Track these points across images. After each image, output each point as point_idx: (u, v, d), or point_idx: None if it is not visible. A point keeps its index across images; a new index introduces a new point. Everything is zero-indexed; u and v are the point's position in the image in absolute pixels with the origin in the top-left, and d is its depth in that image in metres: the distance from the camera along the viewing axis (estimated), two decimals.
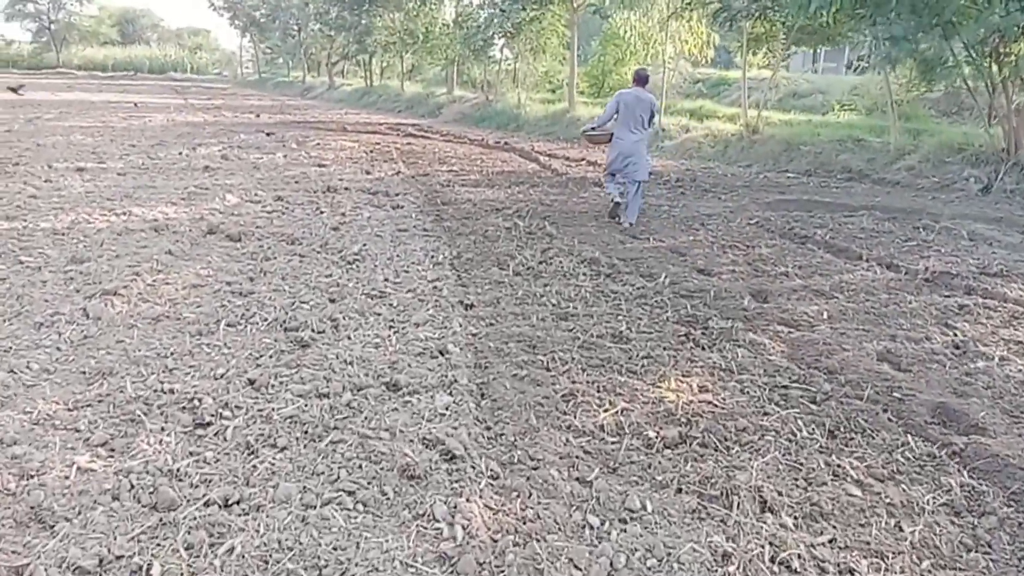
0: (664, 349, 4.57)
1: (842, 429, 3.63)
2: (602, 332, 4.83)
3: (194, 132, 17.47)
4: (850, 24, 13.81)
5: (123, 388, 3.70)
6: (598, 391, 3.95)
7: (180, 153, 13.28)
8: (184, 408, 3.53)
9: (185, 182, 10.14)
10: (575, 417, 3.64)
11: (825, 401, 3.90)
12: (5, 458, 3.01)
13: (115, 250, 6.41)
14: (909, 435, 3.54)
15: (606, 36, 27.11)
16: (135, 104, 26.57)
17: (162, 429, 3.32)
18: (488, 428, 3.51)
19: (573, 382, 4.04)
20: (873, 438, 3.52)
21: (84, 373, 3.91)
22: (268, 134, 17.61)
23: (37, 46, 66.58)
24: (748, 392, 4.00)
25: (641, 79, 8.55)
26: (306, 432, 3.35)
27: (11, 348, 4.15)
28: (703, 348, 4.64)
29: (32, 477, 2.88)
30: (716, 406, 3.81)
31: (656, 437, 3.45)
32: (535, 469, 3.14)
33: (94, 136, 15.59)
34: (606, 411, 3.70)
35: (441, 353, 4.35)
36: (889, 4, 10.54)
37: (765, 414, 3.75)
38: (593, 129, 9.03)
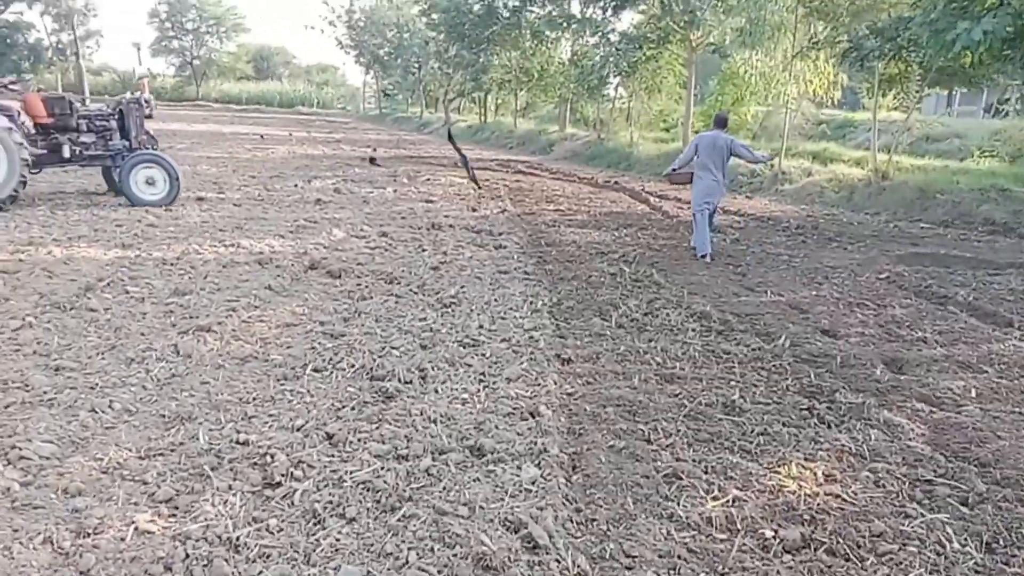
0: (783, 425, 4.05)
1: (1001, 542, 3.03)
2: (712, 400, 4.35)
3: (312, 164, 17.99)
4: (996, 66, 12.76)
5: (197, 436, 3.54)
6: (705, 472, 3.49)
7: (295, 185, 13.61)
8: (255, 464, 3.31)
9: (296, 215, 10.29)
10: (678, 504, 3.20)
11: (979, 504, 3.29)
12: (66, 512, 2.86)
13: (217, 283, 6.43)
14: None
15: (725, 75, 26.42)
16: (261, 136, 27.83)
17: (229, 487, 3.11)
18: (578, 511, 3.12)
19: (677, 459, 3.60)
20: None
21: (163, 416, 3.79)
22: (372, 159, 18.05)
23: (180, 80, 71.57)
24: (884, 486, 3.44)
25: (720, 122, 9.08)
26: (378, 502, 3.06)
27: (98, 385, 4.09)
28: (829, 426, 4.09)
29: (88, 536, 2.71)
30: (846, 501, 3.28)
31: (774, 537, 2.96)
32: (629, 569, 2.73)
33: (219, 166, 16.27)
34: (715, 499, 3.24)
35: (532, 415, 4.00)
36: None
37: (906, 516, 3.19)
38: (674, 170, 9.40)
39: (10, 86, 11.01)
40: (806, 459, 3.66)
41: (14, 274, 6.25)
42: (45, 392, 3.94)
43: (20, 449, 3.26)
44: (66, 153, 10.16)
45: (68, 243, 7.63)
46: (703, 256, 8.74)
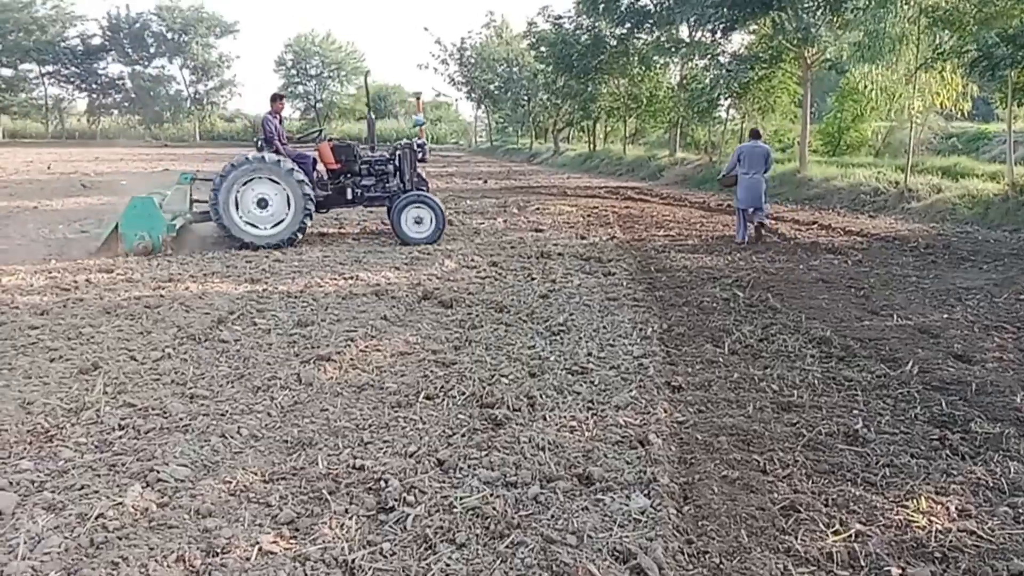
0: (911, 456, 3.82)
1: None
2: (832, 430, 4.16)
3: None
4: None
5: (317, 461, 3.70)
6: (826, 505, 3.34)
7: None
8: (370, 489, 3.42)
9: (410, 247, 10.62)
10: (796, 538, 3.07)
11: None
12: (198, 531, 3.04)
13: (337, 314, 6.72)
14: None
15: (844, 92, 25.49)
16: None
17: (346, 511, 3.23)
18: (689, 542, 3.05)
19: (795, 491, 3.45)
20: None
21: (286, 442, 3.98)
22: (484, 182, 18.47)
23: (304, 122, 75.63)
24: None
25: (755, 135, 12.28)
26: (487, 528, 3.09)
27: (227, 412, 4.34)
28: (963, 458, 3.82)
29: (217, 555, 2.87)
30: (982, 538, 3.05)
31: None
32: None
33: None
34: (836, 534, 3.08)
35: (641, 443, 3.95)
36: None
37: None
38: (724, 175, 12.33)
39: (306, 138, 12.85)
40: (937, 492, 3.44)
41: (155, 308, 6.75)
42: (181, 419, 4.22)
43: (158, 472, 3.50)
44: (349, 195, 11.31)
45: (203, 279, 8.17)
46: (741, 240, 11.58)
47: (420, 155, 11.57)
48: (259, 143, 10.95)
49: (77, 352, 5.43)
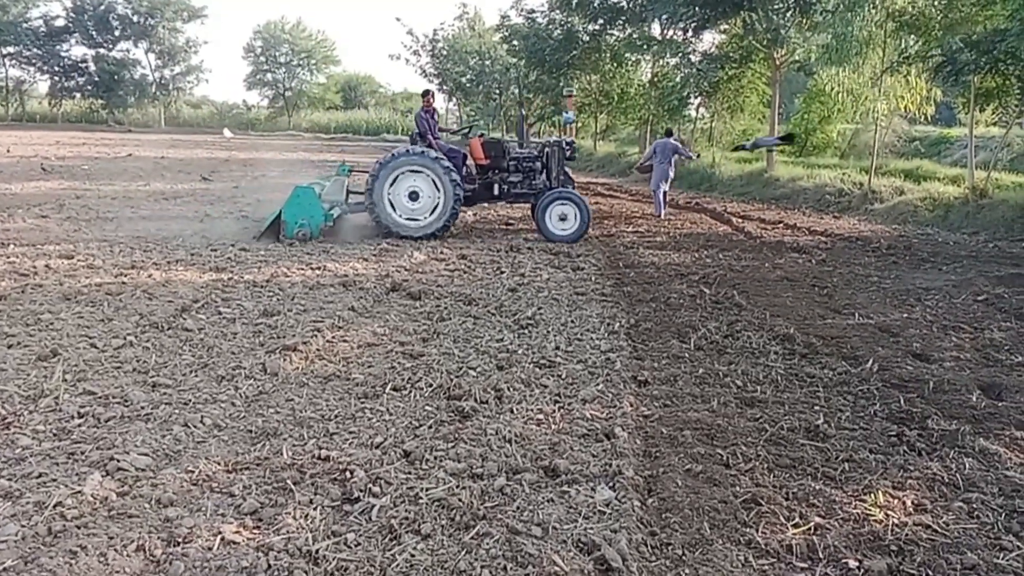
0: (870, 452, 3.90)
1: None
2: (794, 425, 4.23)
3: None
4: None
5: (282, 452, 3.67)
6: (787, 499, 3.40)
7: None
8: (335, 479, 3.41)
9: (379, 238, 10.55)
10: (757, 530, 3.12)
11: None
12: (159, 520, 3.00)
13: (304, 304, 6.66)
14: None
15: (811, 93, 25.84)
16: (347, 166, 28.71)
17: (310, 502, 3.21)
18: (653, 534, 3.08)
19: (757, 485, 3.51)
20: None
21: (251, 432, 3.94)
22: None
23: (272, 111, 74.61)
24: (978, 516, 3.27)
25: (668, 133, 15.62)
26: (453, 519, 3.09)
27: (190, 401, 4.29)
28: (920, 454, 3.91)
29: (178, 545, 2.83)
30: (937, 532, 3.13)
31: (858, 568, 2.85)
32: None
33: None
34: (796, 526, 3.14)
35: (607, 436, 3.98)
36: None
37: (1001, 548, 3.02)
38: (641, 164, 15.25)
39: (459, 132, 13.33)
40: (894, 487, 3.52)
41: (117, 295, 6.63)
42: (142, 407, 4.15)
43: (118, 461, 3.44)
44: (496, 191, 11.50)
45: (167, 267, 8.04)
46: (658, 215, 14.55)
47: (568, 153, 11.65)
48: (413, 137, 11.26)
49: (35, 339, 5.31)
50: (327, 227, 10.48)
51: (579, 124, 41.19)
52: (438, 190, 10.58)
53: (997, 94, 14.51)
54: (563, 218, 11.05)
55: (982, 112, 16.35)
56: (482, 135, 12.29)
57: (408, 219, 10.68)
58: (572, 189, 11.57)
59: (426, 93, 11.82)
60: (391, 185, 10.54)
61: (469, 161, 11.43)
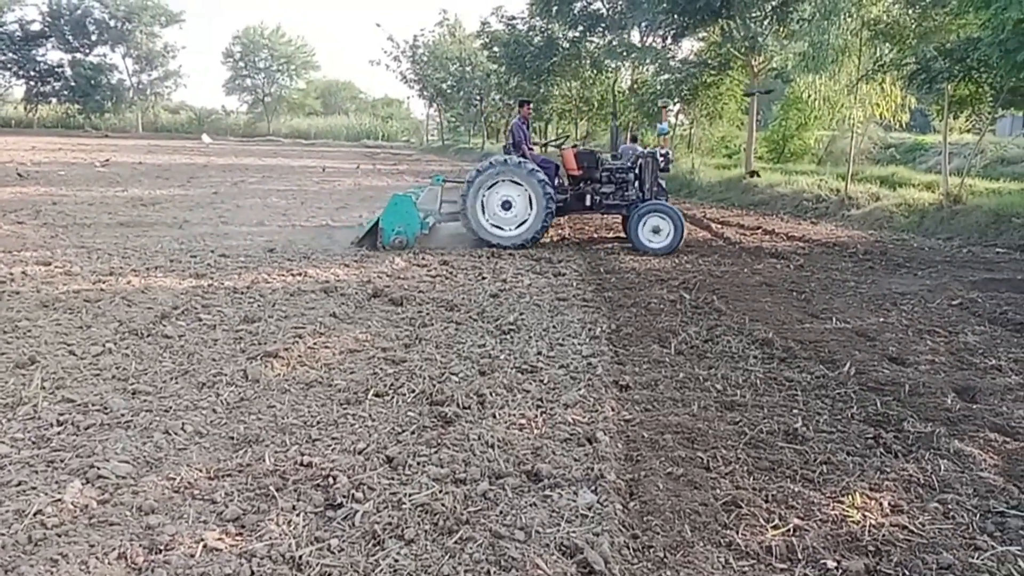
0: (848, 454, 3.96)
1: None
2: (773, 428, 4.29)
3: (376, 196, 18.36)
4: None
5: (264, 458, 3.66)
6: (766, 501, 3.44)
7: (360, 216, 13.95)
8: (318, 486, 3.41)
9: (357, 247, 10.53)
10: (737, 532, 3.16)
11: None
12: (140, 528, 2.99)
13: (285, 310, 6.64)
14: None
15: (788, 100, 26.14)
16: (323, 169, 28.67)
17: (293, 508, 3.20)
18: (635, 537, 3.11)
19: (737, 487, 3.55)
20: None
21: (232, 439, 3.92)
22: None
23: (252, 116, 74.25)
24: (954, 517, 3.32)
25: (633, 139, 15.85)
26: (436, 524, 3.10)
27: (171, 408, 4.26)
28: (896, 456, 3.97)
29: (160, 552, 2.82)
30: (913, 533, 3.18)
31: (836, 568, 2.90)
32: None
33: (288, 199, 16.82)
34: (775, 528, 3.18)
35: (589, 441, 4.00)
36: None
37: (976, 548, 3.08)
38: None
39: (552, 144, 13.25)
40: (871, 489, 3.57)
41: (95, 302, 6.58)
42: (123, 415, 4.12)
43: (98, 468, 3.42)
44: (588, 202, 11.47)
45: (146, 273, 7.98)
46: None
47: (663, 164, 11.64)
48: (507, 147, 11.33)
49: (13, 346, 5.26)
50: (422, 235, 10.63)
51: (560, 130, 41.41)
52: (529, 199, 10.69)
53: (970, 101, 14.78)
54: (656, 231, 10.99)
55: (956, 119, 16.65)
56: (575, 146, 12.25)
57: (500, 229, 10.81)
58: (666, 201, 11.57)
59: (524, 103, 11.90)
60: (484, 196, 10.69)
61: (562, 171, 11.47)
